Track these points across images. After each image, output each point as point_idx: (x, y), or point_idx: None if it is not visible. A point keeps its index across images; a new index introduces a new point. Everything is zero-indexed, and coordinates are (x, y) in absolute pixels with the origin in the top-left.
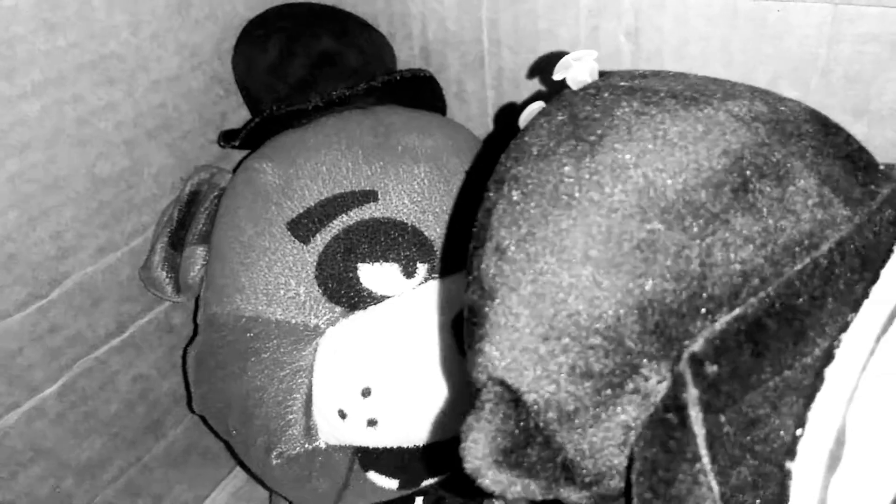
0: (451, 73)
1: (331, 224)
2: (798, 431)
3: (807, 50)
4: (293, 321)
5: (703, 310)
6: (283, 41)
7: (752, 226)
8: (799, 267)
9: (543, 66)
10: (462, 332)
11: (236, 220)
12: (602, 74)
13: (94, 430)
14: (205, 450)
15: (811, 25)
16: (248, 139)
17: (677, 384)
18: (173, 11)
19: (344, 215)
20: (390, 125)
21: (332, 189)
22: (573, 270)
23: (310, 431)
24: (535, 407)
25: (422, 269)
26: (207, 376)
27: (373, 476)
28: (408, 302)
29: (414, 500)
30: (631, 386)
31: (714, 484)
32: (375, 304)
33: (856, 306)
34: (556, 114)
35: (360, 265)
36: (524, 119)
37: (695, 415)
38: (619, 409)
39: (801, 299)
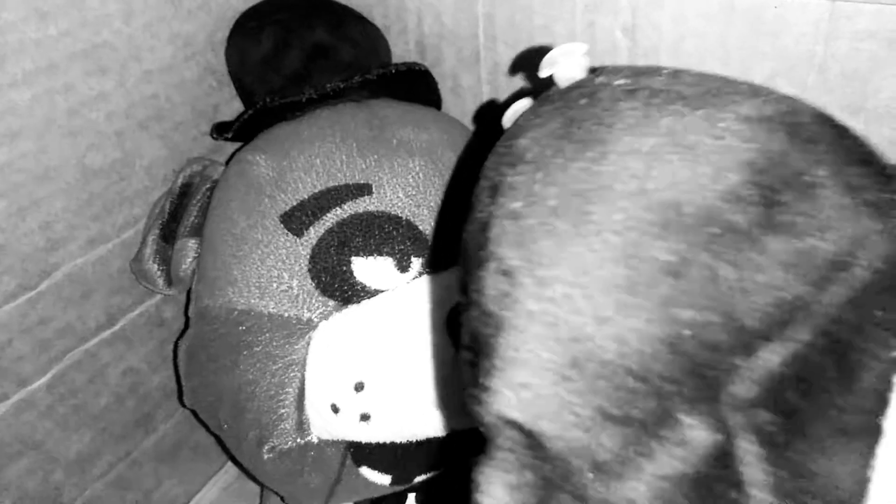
0: (447, 67)
1: (324, 217)
2: (861, 483)
3: (803, 47)
4: (286, 314)
5: (742, 344)
6: (278, 33)
7: (783, 244)
8: (838, 290)
9: (529, 61)
10: (456, 327)
11: (229, 213)
12: (593, 70)
13: (84, 423)
14: (195, 444)
15: (808, 22)
16: (241, 131)
17: (724, 433)
18: (166, 1)
19: (338, 208)
20: (385, 118)
21: (326, 182)
22: (592, 298)
23: (302, 426)
24: (560, 456)
25: (416, 263)
26: (199, 370)
27: (365, 471)
28: (402, 296)
29: (406, 498)
30: (665, 432)
31: None
32: (369, 297)
33: None
34: (549, 116)
35: (353, 259)
36: (509, 118)
37: (749, 471)
38: (653, 458)
39: (845, 329)
